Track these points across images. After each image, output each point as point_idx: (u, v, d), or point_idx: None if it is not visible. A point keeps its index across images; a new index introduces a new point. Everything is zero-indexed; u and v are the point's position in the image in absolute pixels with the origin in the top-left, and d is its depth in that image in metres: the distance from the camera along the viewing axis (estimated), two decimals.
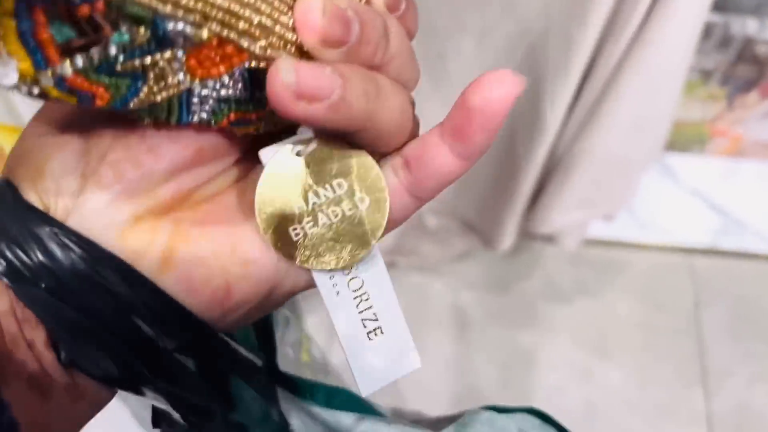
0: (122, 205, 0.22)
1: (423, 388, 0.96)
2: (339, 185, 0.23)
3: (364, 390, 0.25)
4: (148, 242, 0.22)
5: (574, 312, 1.11)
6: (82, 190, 0.21)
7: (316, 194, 0.23)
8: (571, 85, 0.55)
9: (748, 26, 0.91)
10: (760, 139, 1.13)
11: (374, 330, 0.24)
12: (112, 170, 0.21)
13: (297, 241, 0.23)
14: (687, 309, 1.12)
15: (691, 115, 1.08)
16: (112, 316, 0.21)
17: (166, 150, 0.22)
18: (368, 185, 0.23)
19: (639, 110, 0.57)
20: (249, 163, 0.24)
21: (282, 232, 0.23)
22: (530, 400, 1.04)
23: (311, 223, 0.23)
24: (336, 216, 0.23)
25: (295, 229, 0.23)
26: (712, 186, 1.18)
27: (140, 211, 0.22)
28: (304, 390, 0.35)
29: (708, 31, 0.91)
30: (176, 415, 0.26)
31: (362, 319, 0.24)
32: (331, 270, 0.24)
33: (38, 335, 0.21)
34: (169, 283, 0.22)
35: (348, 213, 0.23)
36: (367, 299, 0.24)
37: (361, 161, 0.23)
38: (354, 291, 0.24)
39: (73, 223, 0.21)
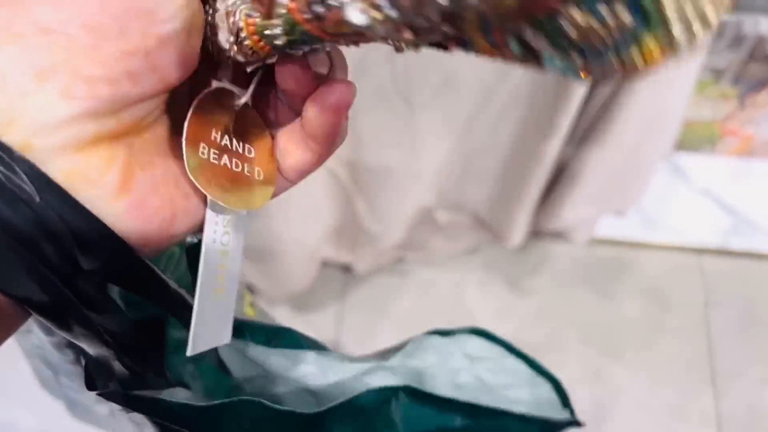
0: (87, 123, 0.21)
1: None
2: (249, 150, 0.26)
3: (193, 348, 0.25)
4: (105, 164, 0.21)
5: (582, 311, 1.10)
6: (36, 92, 0.20)
7: (230, 141, 0.26)
8: (583, 83, 0.55)
9: (760, 25, 0.90)
10: None
11: (220, 289, 0.26)
12: (87, 86, 0.20)
13: (202, 160, 0.25)
14: (696, 309, 1.11)
15: (702, 114, 1.08)
16: (33, 233, 0.20)
17: (145, 78, 0.21)
18: (267, 165, 0.26)
19: (651, 108, 0.57)
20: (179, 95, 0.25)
21: (193, 149, 0.24)
22: None
23: (216, 157, 0.25)
24: (237, 168, 0.26)
25: (204, 148, 0.25)
26: (723, 186, 1.17)
27: (102, 132, 0.21)
28: (243, 331, 0.34)
29: (720, 30, 0.91)
30: (114, 366, 0.26)
31: (217, 274, 0.26)
32: (215, 207, 0.25)
33: None
34: (120, 209, 0.22)
35: (246, 173, 0.26)
36: (225, 258, 0.26)
37: (268, 142, 0.27)
38: (223, 245, 0.26)
39: (16, 131, 0.20)
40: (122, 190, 0.22)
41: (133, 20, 0.20)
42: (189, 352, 0.25)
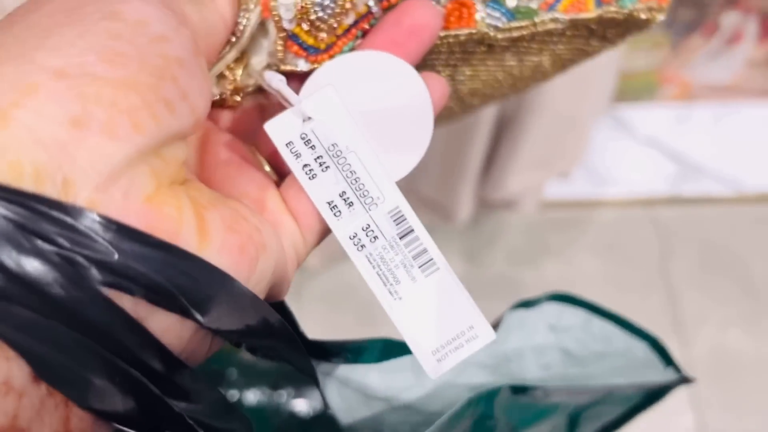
0: (140, 165, 0.18)
1: None
2: None
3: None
4: (176, 211, 0.19)
5: (541, 276, 1.10)
6: (78, 141, 0.17)
7: None
8: None
9: None
10: (708, 81, 1.13)
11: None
12: (130, 119, 0.18)
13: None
14: (654, 260, 1.11)
15: (638, 64, 1.07)
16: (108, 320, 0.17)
17: (180, 107, 0.19)
18: None
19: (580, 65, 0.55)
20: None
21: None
22: None
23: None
24: None
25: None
26: (666, 134, 1.17)
27: (157, 173, 0.19)
28: (341, 352, 0.30)
29: None
30: None
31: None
32: None
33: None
34: (210, 254, 0.19)
35: None
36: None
37: None
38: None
39: (76, 192, 0.17)
40: (203, 235, 0.19)
41: (149, 44, 0.18)
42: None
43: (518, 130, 0.61)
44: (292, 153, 0.23)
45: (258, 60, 0.25)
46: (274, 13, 0.24)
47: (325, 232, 0.25)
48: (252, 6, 0.23)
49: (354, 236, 0.24)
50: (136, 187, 0.18)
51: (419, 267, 0.24)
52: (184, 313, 0.19)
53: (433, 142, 0.65)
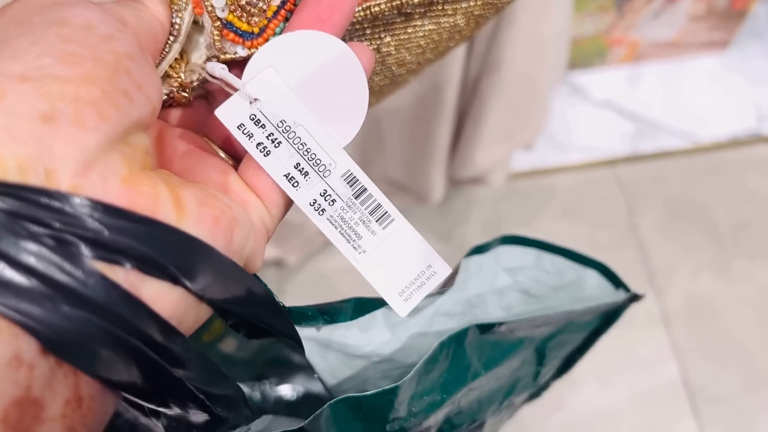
0: (111, 151, 0.20)
1: None
2: None
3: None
4: (152, 189, 0.20)
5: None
6: (52, 133, 0.19)
7: None
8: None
9: None
10: (655, 39, 1.16)
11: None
12: (95, 110, 0.19)
13: None
14: (622, 218, 1.15)
15: (586, 30, 1.09)
16: (111, 297, 0.19)
17: (136, 96, 0.21)
18: None
19: (534, 32, 0.57)
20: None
21: None
22: None
23: None
24: None
25: None
26: (620, 95, 1.20)
27: (127, 158, 0.21)
28: (318, 315, 0.32)
29: None
30: (192, 419, 0.24)
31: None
32: None
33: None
34: (188, 227, 0.21)
35: None
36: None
37: None
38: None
39: (59, 179, 0.19)
40: (180, 209, 0.21)
41: (99, 44, 0.20)
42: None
43: (481, 106, 0.63)
44: (244, 134, 0.24)
45: (198, 55, 0.27)
46: (206, 3, 0.25)
47: (288, 203, 0.26)
48: (183, 5, 0.25)
49: (314, 203, 0.25)
50: (112, 170, 0.20)
51: (377, 221, 0.26)
52: (174, 280, 0.20)
53: (399, 127, 0.66)
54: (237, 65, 0.26)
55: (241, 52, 0.26)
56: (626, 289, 0.39)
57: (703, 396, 1.01)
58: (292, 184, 0.25)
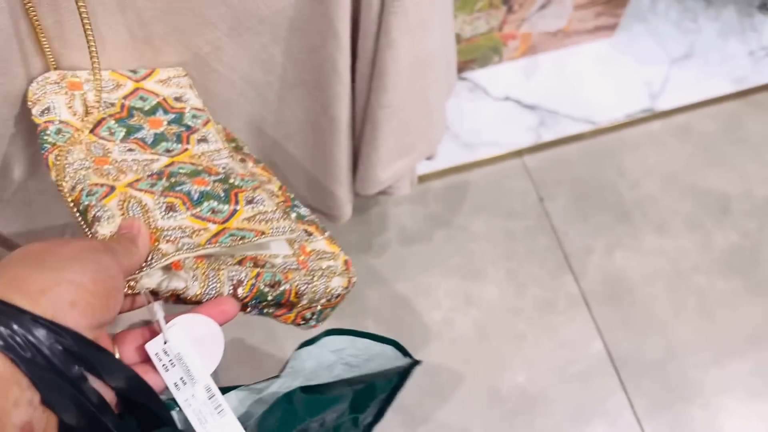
0: (92, 328, 0.37)
1: None
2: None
3: None
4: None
5: (436, 246, 1.14)
6: (71, 310, 0.35)
7: None
8: (344, 48, 0.54)
9: None
10: (545, 30, 1.19)
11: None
12: (92, 311, 0.36)
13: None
14: (534, 206, 1.18)
15: (479, 28, 1.12)
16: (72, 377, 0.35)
17: (111, 310, 0.38)
18: None
19: (415, 50, 0.57)
20: None
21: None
22: (425, 344, 1.06)
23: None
24: None
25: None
26: (520, 87, 1.23)
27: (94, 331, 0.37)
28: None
29: None
30: None
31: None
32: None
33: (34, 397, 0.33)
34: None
35: None
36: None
37: None
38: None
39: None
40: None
41: (108, 279, 0.37)
42: None
43: (374, 128, 0.62)
44: (157, 357, 0.41)
45: (151, 280, 0.42)
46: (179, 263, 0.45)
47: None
48: (158, 262, 0.43)
49: (186, 399, 0.42)
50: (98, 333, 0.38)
51: (218, 413, 0.42)
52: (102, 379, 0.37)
53: (304, 151, 0.65)
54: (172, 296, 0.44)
55: (182, 284, 0.44)
56: (411, 357, 0.56)
57: (629, 370, 1.05)
58: (177, 387, 0.41)
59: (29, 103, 0.49)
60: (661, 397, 1.04)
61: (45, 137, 0.47)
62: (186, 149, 0.51)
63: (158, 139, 0.51)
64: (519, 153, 1.21)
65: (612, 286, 1.12)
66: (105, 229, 0.42)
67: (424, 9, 0.52)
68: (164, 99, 0.53)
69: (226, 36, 0.52)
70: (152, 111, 0.52)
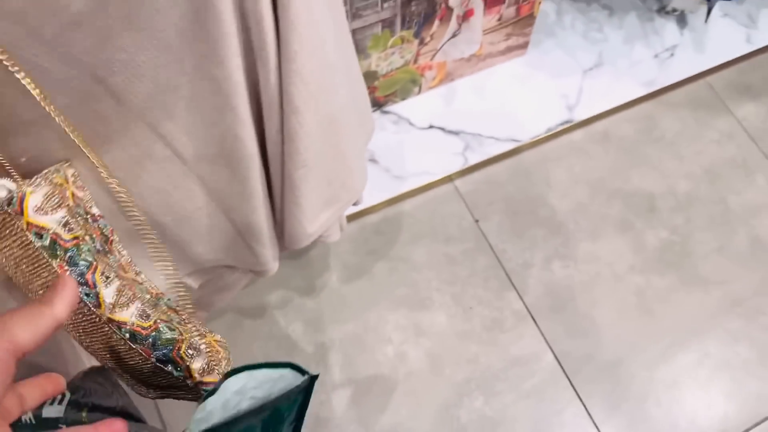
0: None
1: None
2: None
3: None
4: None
5: (379, 281, 1.14)
6: None
7: None
8: (245, 120, 0.54)
9: None
10: (459, 57, 1.22)
11: None
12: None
13: None
14: (470, 228, 1.20)
15: (394, 63, 1.14)
16: None
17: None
18: None
19: (322, 113, 0.58)
20: None
21: None
22: (381, 380, 1.06)
23: None
24: None
25: None
26: (442, 114, 1.26)
27: None
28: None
29: None
30: None
31: None
32: None
33: None
34: None
35: None
36: None
37: None
38: None
39: None
40: None
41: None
42: None
43: (293, 188, 0.62)
44: None
45: None
46: None
47: None
48: None
49: None
50: None
51: None
52: None
53: (211, 222, 0.66)
54: None
55: None
56: (308, 374, 0.56)
57: (581, 377, 1.08)
58: None
59: None
60: (615, 399, 1.06)
61: None
62: None
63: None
64: (450, 178, 1.23)
65: (554, 297, 1.14)
66: None
67: (324, 73, 0.54)
68: (55, 233, 0.53)
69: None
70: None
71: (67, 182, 0.54)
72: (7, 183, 0.49)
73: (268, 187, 0.65)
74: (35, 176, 0.52)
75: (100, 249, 0.57)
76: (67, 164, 0.55)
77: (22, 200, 0.49)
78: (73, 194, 0.55)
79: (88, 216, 0.57)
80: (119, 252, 0.61)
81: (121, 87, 0.48)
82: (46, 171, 0.53)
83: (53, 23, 0.41)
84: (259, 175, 0.59)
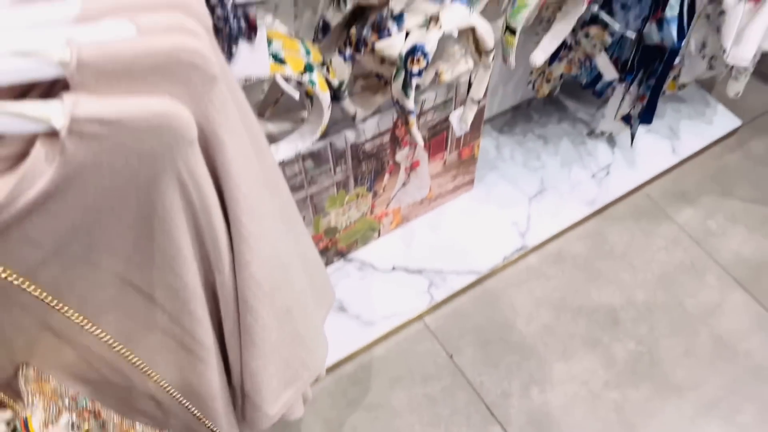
0: None
1: None
2: None
3: None
4: None
5: (363, 430, 1.14)
6: None
7: None
8: (203, 320, 0.57)
9: (347, 137, 1.04)
10: (410, 201, 1.29)
11: None
12: None
13: None
14: (446, 364, 1.22)
15: (352, 217, 1.19)
16: None
17: None
18: None
19: (279, 303, 0.61)
20: None
21: None
22: None
23: None
24: None
25: None
26: (403, 255, 1.31)
27: None
28: None
29: (317, 155, 1.02)
30: None
31: None
32: None
33: None
34: None
35: None
36: None
37: None
38: None
39: None
40: None
41: None
42: None
43: (251, 376, 0.64)
44: None
45: None
46: None
47: None
48: None
49: None
50: None
51: None
52: None
53: (175, 410, 0.67)
54: None
55: None
56: None
57: None
58: None
59: None
60: None
61: None
62: None
63: None
64: (419, 317, 1.26)
65: (538, 425, 1.15)
66: None
67: (276, 273, 0.58)
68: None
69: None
70: None
71: (41, 381, 0.55)
72: (3, 414, 0.51)
73: (227, 374, 0.66)
74: (24, 395, 0.53)
75: (98, 429, 0.57)
76: (25, 367, 0.56)
77: (26, 425, 0.50)
78: (51, 390, 0.56)
79: (74, 402, 0.58)
80: (111, 419, 0.61)
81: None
82: (24, 384, 0.55)
83: None
84: (216, 363, 0.62)
